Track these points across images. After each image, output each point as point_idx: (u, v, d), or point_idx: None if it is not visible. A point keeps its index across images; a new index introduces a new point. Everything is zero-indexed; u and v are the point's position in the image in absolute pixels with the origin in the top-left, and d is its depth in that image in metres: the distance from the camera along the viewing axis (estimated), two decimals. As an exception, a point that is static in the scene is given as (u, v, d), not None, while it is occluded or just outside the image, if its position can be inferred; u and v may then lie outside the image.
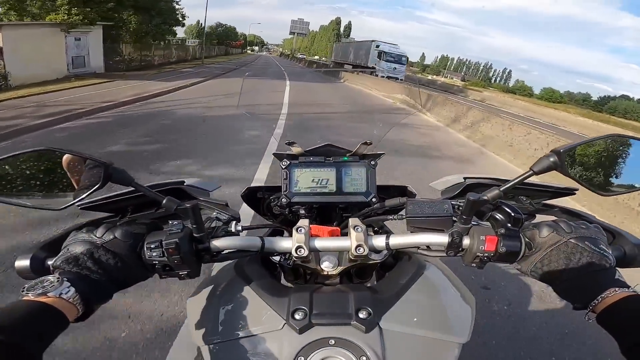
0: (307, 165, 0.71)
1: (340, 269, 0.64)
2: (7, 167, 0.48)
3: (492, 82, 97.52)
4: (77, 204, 0.49)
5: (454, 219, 0.51)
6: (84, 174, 0.47)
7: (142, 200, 0.62)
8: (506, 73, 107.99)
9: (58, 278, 0.41)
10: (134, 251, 0.48)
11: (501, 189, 0.49)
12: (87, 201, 0.61)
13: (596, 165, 0.52)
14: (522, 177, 0.50)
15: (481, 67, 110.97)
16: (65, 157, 0.46)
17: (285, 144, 0.73)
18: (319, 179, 0.71)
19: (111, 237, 0.47)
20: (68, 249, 0.46)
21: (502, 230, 0.49)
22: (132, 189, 0.56)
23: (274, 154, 0.73)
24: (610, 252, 0.47)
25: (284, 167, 0.71)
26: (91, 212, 0.61)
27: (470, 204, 0.48)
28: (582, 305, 0.44)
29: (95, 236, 0.47)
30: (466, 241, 0.50)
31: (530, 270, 0.50)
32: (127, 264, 0.47)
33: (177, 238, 0.47)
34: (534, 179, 0.64)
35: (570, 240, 0.46)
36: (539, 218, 0.58)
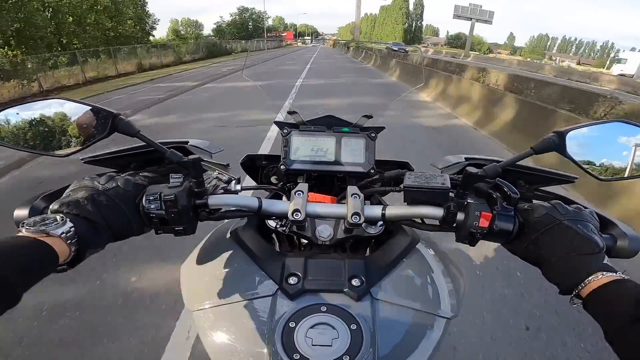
0: (307, 134, 0.72)
1: (335, 239, 0.66)
2: (18, 115, 0.50)
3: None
4: (80, 155, 0.50)
5: (451, 193, 0.51)
6: (92, 124, 0.49)
7: (145, 157, 0.64)
8: None
9: (62, 217, 0.41)
10: (134, 202, 0.48)
11: (499, 165, 0.49)
12: (91, 155, 0.63)
13: (597, 150, 0.52)
14: (521, 156, 0.50)
15: (598, 47, 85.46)
16: (74, 106, 0.48)
17: (287, 113, 0.73)
18: (318, 148, 0.71)
19: (113, 185, 0.48)
20: (69, 194, 0.46)
21: (498, 208, 0.49)
22: (136, 145, 0.57)
23: (274, 122, 0.73)
24: (601, 239, 0.46)
25: (284, 134, 0.72)
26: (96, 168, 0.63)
27: (467, 178, 0.48)
28: (568, 289, 0.44)
29: (98, 183, 0.48)
30: (460, 216, 0.50)
31: (521, 250, 0.50)
32: (125, 213, 0.47)
33: (176, 191, 0.48)
34: (536, 165, 0.64)
35: (564, 222, 0.46)
36: (536, 202, 0.59)
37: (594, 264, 0.43)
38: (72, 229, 0.41)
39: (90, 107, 0.48)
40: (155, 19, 28.35)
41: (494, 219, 0.49)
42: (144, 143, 0.51)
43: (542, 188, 0.67)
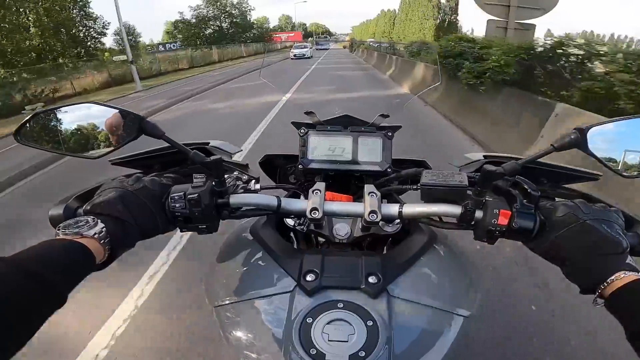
0: (324, 134, 0.72)
1: (352, 238, 0.67)
2: (51, 118, 0.53)
3: None
4: (109, 158, 0.53)
5: (469, 192, 0.51)
6: (120, 127, 0.51)
7: (169, 159, 0.66)
8: None
9: (93, 219, 0.43)
10: (160, 201, 0.51)
11: (519, 162, 0.49)
12: (118, 157, 0.66)
13: (620, 146, 0.51)
14: (541, 153, 0.49)
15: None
16: (104, 109, 0.50)
17: (304, 113, 0.74)
18: (335, 148, 0.72)
19: (141, 185, 0.50)
20: (100, 195, 0.49)
21: (517, 206, 0.48)
22: (161, 146, 0.60)
23: (292, 122, 0.74)
24: (625, 239, 0.45)
25: (301, 134, 0.73)
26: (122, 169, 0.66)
27: (485, 176, 0.48)
28: (590, 288, 0.44)
29: (127, 184, 0.50)
30: (479, 214, 0.50)
31: (541, 249, 0.49)
32: (152, 212, 0.49)
33: (199, 191, 0.50)
34: (558, 162, 0.63)
35: (587, 222, 0.45)
36: (558, 201, 0.58)
37: (617, 264, 0.42)
38: (104, 229, 0.43)
39: (118, 110, 0.51)
40: (105, 22, 22.04)
41: (513, 217, 0.48)
42: (167, 145, 0.53)
43: (565, 185, 0.66)
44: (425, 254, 0.59)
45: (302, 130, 0.73)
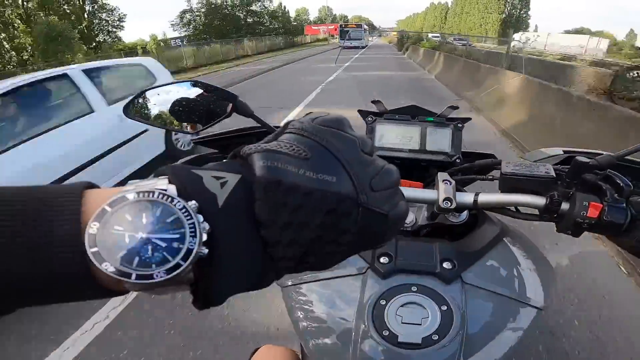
0: (392, 123, 0.73)
1: (417, 226, 0.67)
2: (158, 95, 0.59)
3: None
4: (199, 135, 0.57)
5: (555, 183, 0.50)
6: (215, 104, 0.55)
7: (247, 140, 0.71)
8: None
9: None
10: None
11: (614, 155, 0.47)
12: (201, 137, 0.72)
13: None
14: (634, 148, 0.47)
15: None
16: (203, 87, 0.55)
17: (371, 102, 0.75)
18: (403, 136, 0.72)
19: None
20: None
21: (609, 199, 0.47)
22: (239, 128, 0.64)
23: (358, 110, 0.75)
24: None
25: (368, 122, 0.73)
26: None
27: (577, 167, 0.47)
28: None
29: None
30: (565, 206, 0.49)
31: (630, 244, 0.47)
32: None
33: None
34: None
35: None
36: None
37: None
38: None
39: (214, 89, 0.55)
40: (121, 14, 20.42)
41: (604, 210, 0.47)
42: (246, 126, 0.57)
43: None
44: (498, 244, 0.59)
45: (369, 119, 0.74)
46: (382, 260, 0.53)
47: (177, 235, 0.19)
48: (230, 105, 0.54)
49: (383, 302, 0.48)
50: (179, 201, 0.20)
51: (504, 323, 0.50)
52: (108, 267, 0.18)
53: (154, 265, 0.19)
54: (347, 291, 0.52)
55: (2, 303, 0.19)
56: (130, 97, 0.58)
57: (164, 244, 0.19)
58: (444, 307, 0.48)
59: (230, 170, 0.22)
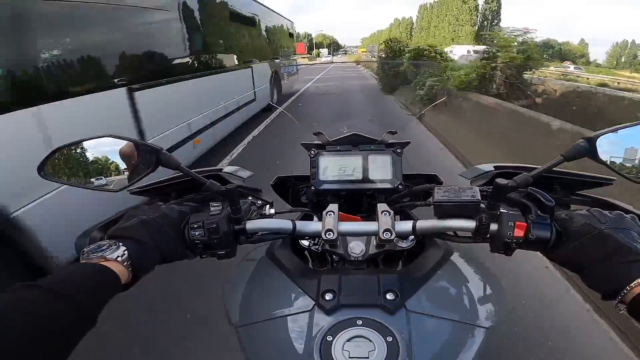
0: (334, 154, 0.73)
1: (367, 255, 0.67)
2: (72, 152, 0.55)
3: None
4: (129, 188, 0.54)
5: (482, 205, 0.52)
6: (138, 159, 0.52)
7: (184, 187, 0.68)
8: None
9: (115, 242, 0.45)
10: (179, 227, 0.52)
11: (530, 174, 0.49)
12: (137, 186, 0.68)
13: (631, 153, 0.51)
14: (552, 164, 0.49)
15: None
16: (122, 143, 0.52)
17: (313, 134, 0.75)
18: (345, 167, 0.73)
19: (160, 212, 0.52)
20: (121, 222, 0.51)
21: (532, 217, 0.49)
22: (177, 174, 0.61)
23: (302, 144, 0.75)
24: None
25: (312, 156, 0.74)
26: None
27: (497, 189, 0.48)
28: (611, 295, 0.44)
29: (147, 211, 0.52)
30: (494, 227, 0.50)
31: (560, 258, 0.49)
32: (172, 239, 0.51)
33: (217, 219, 0.51)
34: (570, 169, 0.63)
35: (604, 230, 0.45)
36: (574, 209, 0.57)
37: (637, 270, 0.42)
38: (125, 252, 0.45)
39: (135, 144, 0.52)
40: None
41: (529, 228, 0.48)
42: (177, 174, 0.55)
43: (579, 192, 0.66)
44: (442, 267, 0.59)
45: (312, 152, 0.74)
46: (326, 297, 0.52)
47: None
48: (154, 158, 0.52)
49: (330, 338, 0.48)
50: None
51: (453, 347, 0.50)
52: None
53: None
54: (296, 328, 0.52)
55: None
56: (45, 157, 0.53)
57: None
58: (390, 339, 0.47)
59: None
